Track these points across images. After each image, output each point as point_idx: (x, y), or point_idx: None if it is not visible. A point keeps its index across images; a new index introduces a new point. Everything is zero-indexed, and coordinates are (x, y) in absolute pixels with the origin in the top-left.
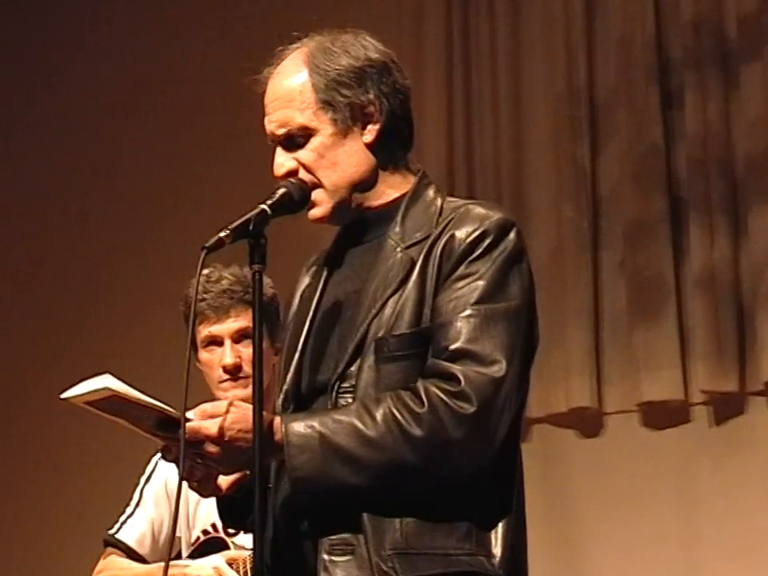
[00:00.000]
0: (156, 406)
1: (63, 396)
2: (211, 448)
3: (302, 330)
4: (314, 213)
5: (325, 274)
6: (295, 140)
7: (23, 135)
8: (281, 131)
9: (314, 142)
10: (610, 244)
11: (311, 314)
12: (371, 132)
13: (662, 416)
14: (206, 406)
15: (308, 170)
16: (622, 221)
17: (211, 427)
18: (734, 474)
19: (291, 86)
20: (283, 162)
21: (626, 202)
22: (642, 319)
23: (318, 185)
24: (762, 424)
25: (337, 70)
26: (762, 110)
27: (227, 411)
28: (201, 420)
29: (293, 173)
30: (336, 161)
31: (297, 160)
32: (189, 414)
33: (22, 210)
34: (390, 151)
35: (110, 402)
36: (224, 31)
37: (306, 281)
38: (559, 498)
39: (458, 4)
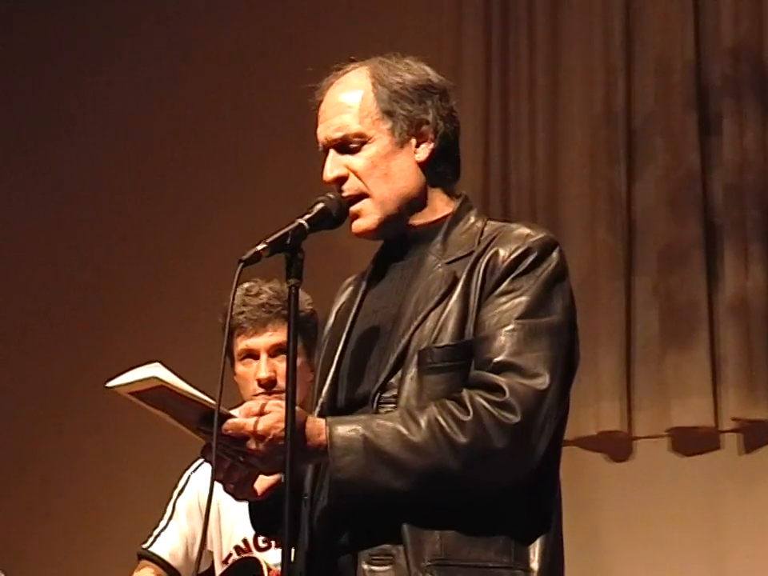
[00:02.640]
0: (202, 399)
1: (109, 384)
2: (254, 445)
3: (338, 345)
4: (360, 224)
5: (362, 289)
6: (349, 146)
7: (65, 144)
8: (337, 135)
9: (369, 150)
10: (644, 269)
11: (347, 328)
12: (424, 151)
13: (691, 442)
14: (251, 404)
15: (359, 178)
16: (656, 246)
17: (256, 424)
18: (762, 502)
19: (354, 93)
20: (334, 167)
21: (661, 228)
22: (674, 345)
23: (366, 194)
24: None
25: (400, 83)
26: None
27: (271, 410)
28: (244, 417)
29: (342, 179)
30: (388, 172)
31: (348, 167)
32: (233, 412)
33: (70, 215)
34: (439, 174)
35: (155, 394)
36: (252, 55)
37: (341, 299)
38: (587, 521)
39: (496, 27)
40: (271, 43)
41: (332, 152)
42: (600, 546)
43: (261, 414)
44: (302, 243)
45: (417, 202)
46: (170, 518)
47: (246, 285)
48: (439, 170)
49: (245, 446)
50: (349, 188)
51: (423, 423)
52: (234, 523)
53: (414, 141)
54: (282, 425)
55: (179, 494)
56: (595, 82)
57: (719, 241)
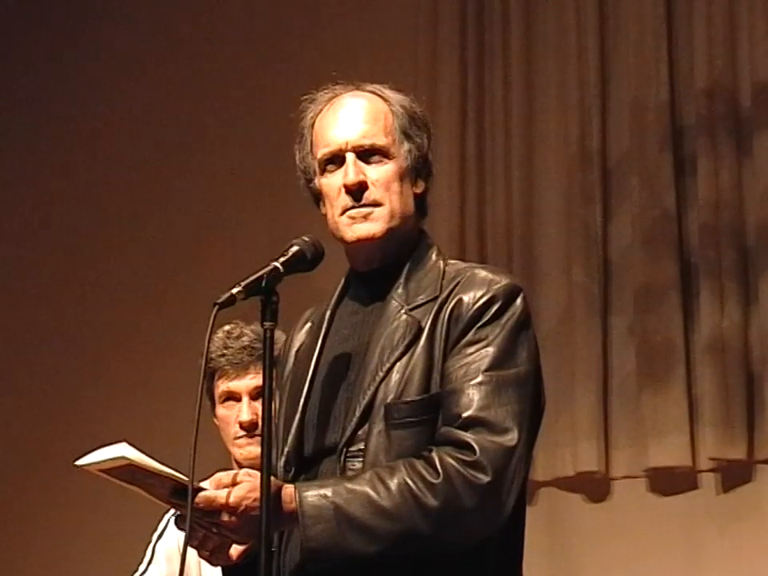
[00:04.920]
0: (171, 475)
1: (78, 463)
2: (226, 517)
3: (301, 390)
4: (369, 228)
5: (323, 332)
6: (370, 158)
7: (49, 180)
8: (366, 141)
9: (390, 166)
10: (620, 309)
11: (311, 373)
12: (420, 186)
13: (669, 482)
14: (221, 475)
15: (375, 187)
16: (632, 286)
17: (226, 497)
18: (740, 542)
19: (377, 107)
20: (358, 171)
21: (637, 267)
22: (651, 385)
23: (380, 204)
24: None
25: (412, 110)
26: None
27: (241, 480)
28: (215, 489)
29: (364, 186)
30: (402, 192)
31: (368, 177)
32: (203, 484)
33: (37, 260)
34: (421, 212)
35: (124, 471)
36: (234, 84)
37: (301, 337)
38: (564, 563)
39: (472, 66)
40: (249, 72)
41: (353, 156)
42: None
43: (232, 484)
44: (277, 286)
45: (407, 230)
46: (150, 561)
47: (226, 327)
48: (421, 208)
49: (217, 517)
50: (367, 197)
51: (393, 487)
52: (215, 569)
53: (415, 173)
54: (253, 495)
55: (158, 537)
56: (570, 122)
57: (695, 280)
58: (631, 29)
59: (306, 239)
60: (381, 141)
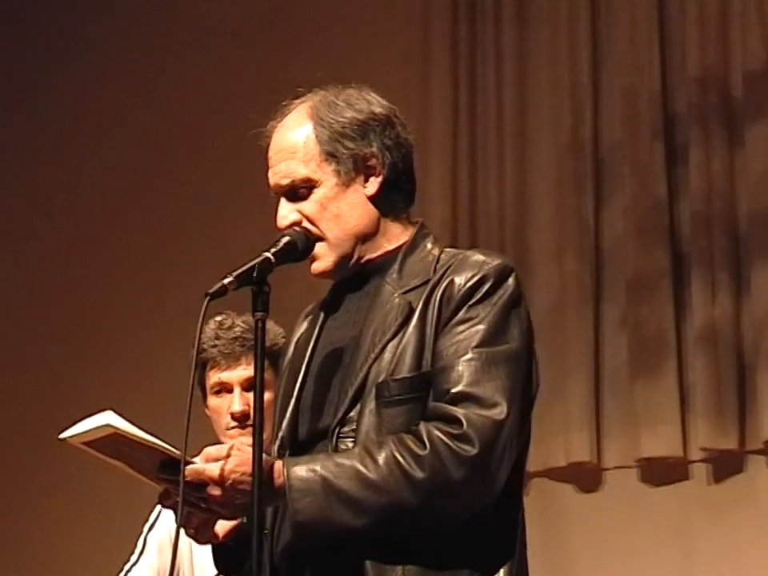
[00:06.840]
0: (159, 445)
1: (62, 436)
2: (214, 491)
3: (297, 376)
4: (317, 266)
5: (321, 320)
6: (298, 192)
7: (42, 177)
8: (285, 182)
9: (318, 194)
10: (612, 298)
11: (307, 359)
12: (373, 184)
13: (660, 472)
14: (209, 450)
15: (311, 222)
16: (624, 275)
17: (215, 470)
18: (732, 532)
19: (296, 138)
20: (286, 213)
21: (629, 257)
22: (643, 374)
23: (320, 237)
24: (760, 482)
25: (340, 122)
26: (766, 166)
27: (230, 454)
28: (204, 463)
29: (296, 224)
30: (339, 213)
31: (300, 212)
32: (193, 459)
33: (34, 245)
34: (392, 204)
35: (110, 442)
36: (227, 81)
37: (301, 329)
38: (557, 552)
39: (464, 55)
40: (241, 68)
41: (282, 200)
42: None
43: (221, 459)
44: (269, 276)
45: (370, 235)
46: (141, 552)
47: (218, 318)
48: (391, 200)
49: (205, 491)
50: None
51: (381, 460)
52: (207, 557)
53: (362, 176)
54: (241, 469)
55: (150, 528)
56: (562, 111)
57: (687, 269)
58: (623, 17)
59: (298, 230)
60: (299, 174)
